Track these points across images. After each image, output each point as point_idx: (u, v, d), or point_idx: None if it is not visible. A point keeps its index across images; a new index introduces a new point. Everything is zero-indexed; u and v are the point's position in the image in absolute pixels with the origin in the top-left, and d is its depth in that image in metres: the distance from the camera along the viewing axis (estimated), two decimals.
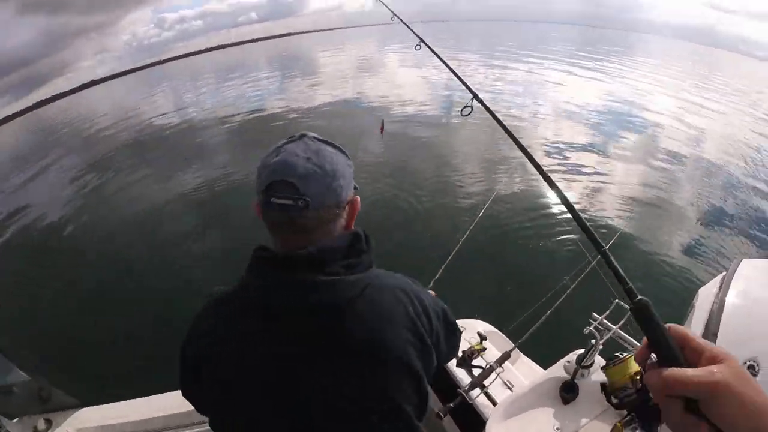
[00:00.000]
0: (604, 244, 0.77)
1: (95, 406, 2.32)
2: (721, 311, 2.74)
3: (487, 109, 1.41)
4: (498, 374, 2.07)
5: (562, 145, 11.02)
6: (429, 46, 1.47)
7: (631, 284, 0.66)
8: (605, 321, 1.96)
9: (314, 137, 1.04)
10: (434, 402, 2.33)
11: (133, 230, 8.46)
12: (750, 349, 2.42)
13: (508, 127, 1.11)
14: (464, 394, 1.97)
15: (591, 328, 1.94)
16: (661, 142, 11.41)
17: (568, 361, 2.10)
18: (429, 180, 8.50)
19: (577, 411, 1.94)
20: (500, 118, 1.30)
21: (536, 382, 1.99)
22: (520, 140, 1.12)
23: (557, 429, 1.83)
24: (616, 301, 1.90)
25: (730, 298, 2.80)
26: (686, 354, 0.57)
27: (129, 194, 10.57)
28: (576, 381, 2.00)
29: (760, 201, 8.02)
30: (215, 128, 15.98)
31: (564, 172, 9.56)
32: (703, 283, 3.54)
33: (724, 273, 3.32)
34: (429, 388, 2.40)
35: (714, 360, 0.55)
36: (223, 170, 10.84)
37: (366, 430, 0.95)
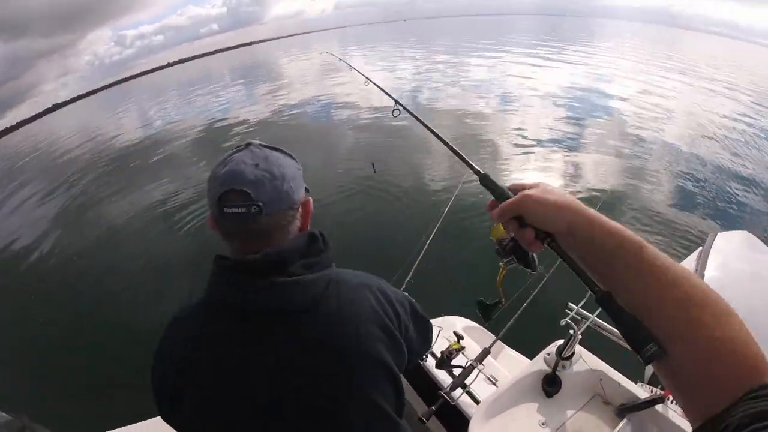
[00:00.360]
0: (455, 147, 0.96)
1: None
2: None
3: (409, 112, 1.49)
4: (480, 371, 1.96)
5: (529, 135, 11.03)
6: (407, 109, 1.45)
7: (477, 166, 0.85)
8: (582, 310, 1.88)
9: (260, 144, 1.04)
10: (418, 405, 2.24)
11: (108, 252, 8.17)
12: None
13: (436, 130, 1.07)
14: (445, 395, 1.86)
15: (567, 319, 1.85)
16: (627, 125, 11.51)
17: (548, 354, 2.01)
18: (392, 180, 8.35)
19: (562, 404, 1.88)
20: (425, 120, 1.27)
21: (518, 377, 1.90)
22: (441, 135, 1.08)
23: (542, 424, 1.75)
24: (590, 291, 1.81)
25: (709, 274, 2.78)
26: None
27: (98, 215, 10.25)
28: (558, 373, 1.92)
29: (729, 175, 8.13)
30: (180, 141, 15.73)
31: (533, 160, 9.56)
32: (679, 261, 3.55)
33: (700, 248, 3.30)
34: (411, 389, 2.34)
35: (529, 188, 0.71)
36: (191, 182, 10.59)
37: (343, 427, 0.95)
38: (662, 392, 1.65)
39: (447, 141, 1.02)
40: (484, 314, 1.19)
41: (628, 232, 0.62)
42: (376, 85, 2.01)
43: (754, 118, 12.20)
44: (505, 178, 8.04)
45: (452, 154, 0.98)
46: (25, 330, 6.21)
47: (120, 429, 2.21)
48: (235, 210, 0.93)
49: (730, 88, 16.41)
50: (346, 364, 0.95)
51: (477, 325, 2.73)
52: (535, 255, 0.83)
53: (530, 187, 0.72)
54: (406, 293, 1.21)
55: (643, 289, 0.58)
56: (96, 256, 8.03)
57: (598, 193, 7.04)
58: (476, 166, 0.86)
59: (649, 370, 2.08)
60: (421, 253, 2.75)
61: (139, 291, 6.70)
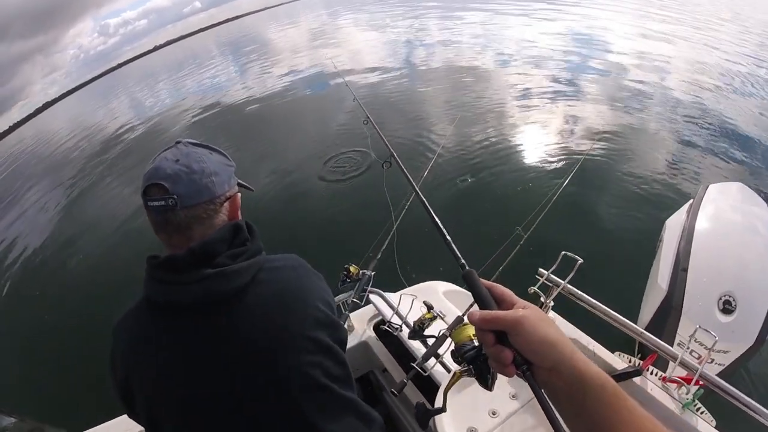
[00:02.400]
0: (444, 230, 0.95)
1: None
2: (690, 241, 2.62)
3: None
4: (452, 342, 1.85)
5: (526, 85, 10.76)
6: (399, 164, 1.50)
7: (463, 261, 0.81)
8: (553, 276, 1.76)
9: (188, 142, 1.09)
10: (399, 375, 2.17)
11: (114, 246, 8.06)
12: (723, 284, 2.33)
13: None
14: (417, 367, 1.77)
15: (536, 288, 1.73)
16: (621, 77, 11.05)
17: None
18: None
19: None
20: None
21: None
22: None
23: (512, 396, 1.65)
24: (564, 252, 1.68)
25: (700, 226, 2.70)
26: (505, 306, 0.70)
27: (100, 210, 10.07)
28: None
29: (723, 126, 7.91)
30: (176, 127, 15.43)
31: (527, 107, 9.35)
32: (670, 215, 3.43)
33: (691, 201, 3.18)
34: (392, 360, 2.29)
35: (522, 307, 0.67)
36: None
37: (292, 408, 0.98)
38: (640, 363, 1.56)
39: (438, 223, 1.00)
40: (422, 420, 1.10)
41: (612, 381, 0.60)
42: (376, 129, 2.09)
43: (751, 72, 11.86)
44: (501, 132, 7.80)
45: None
46: (31, 330, 6.16)
47: (103, 425, 2.14)
48: (155, 203, 0.97)
49: (727, 40, 15.94)
50: (272, 347, 0.97)
51: (459, 289, 2.61)
52: (495, 374, 0.76)
53: (522, 306, 0.68)
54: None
55: None
56: (101, 251, 7.90)
57: (589, 144, 6.85)
58: (462, 259, 0.83)
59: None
60: (402, 214, 2.63)
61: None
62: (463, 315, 1.32)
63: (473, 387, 1.65)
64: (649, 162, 6.32)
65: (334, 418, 1.02)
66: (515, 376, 0.66)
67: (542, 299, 1.72)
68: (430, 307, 1.97)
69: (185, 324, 0.98)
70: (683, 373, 1.43)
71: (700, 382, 1.36)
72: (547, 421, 0.58)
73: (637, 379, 1.51)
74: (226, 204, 1.08)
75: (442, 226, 0.97)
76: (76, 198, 11.31)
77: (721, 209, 2.89)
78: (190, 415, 0.99)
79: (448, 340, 1.81)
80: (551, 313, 1.80)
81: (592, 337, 1.74)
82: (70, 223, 9.67)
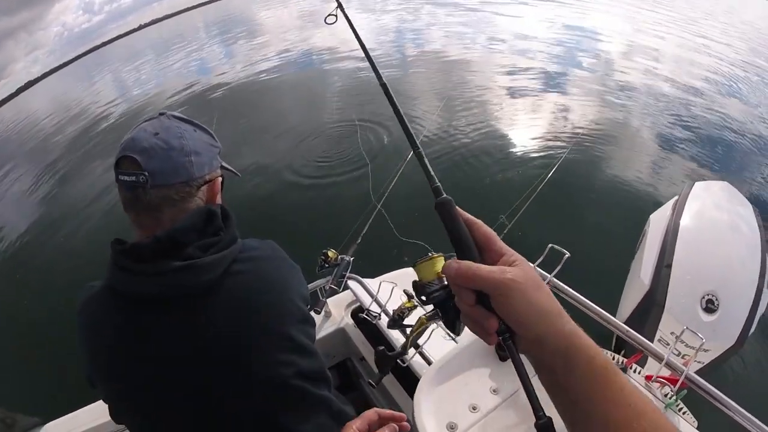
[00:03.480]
0: (419, 146, 0.72)
1: (59, 419, 2.16)
2: (675, 238, 2.60)
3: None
4: (433, 330, 1.79)
5: (516, 75, 10.75)
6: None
7: (438, 183, 0.63)
8: (539, 269, 1.71)
9: (173, 115, 1.02)
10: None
11: (97, 231, 7.76)
12: (706, 283, 2.33)
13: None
14: (396, 359, 1.70)
15: None
16: (611, 70, 11.15)
17: None
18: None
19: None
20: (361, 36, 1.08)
21: (469, 339, 1.73)
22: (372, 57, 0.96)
23: (493, 390, 1.60)
24: (551, 245, 1.62)
25: (685, 223, 2.68)
26: (488, 255, 0.58)
27: (84, 193, 9.75)
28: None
29: (710, 124, 7.99)
30: (161, 106, 15.16)
31: (515, 98, 9.33)
32: (653, 210, 3.42)
33: (676, 197, 3.17)
34: (371, 348, 2.24)
35: (511, 263, 0.55)
36: None
37: (264, 408, 0.95)
38: (624, 360, 1.52)
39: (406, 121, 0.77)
40: (381, 365, 1.02)
41: (603, 355, 0.53)
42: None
43: (742, 69, 11.98)
44: (486, 120, 7.74)
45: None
46: (9, 315, 5.97)
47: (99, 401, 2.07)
48: (125, 177, 0.91)
49: (716, 38, 16.10)
50: (246, 344, 0.93)
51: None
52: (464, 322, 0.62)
53: (512, 261, 0.56)
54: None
55: (614, 422, 0.49)
56: (83, 234, 7.68)
57: (575, 136, 6.83)
58: (438, 182, 0.63)
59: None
60: (382, 201, 2.57)
61: None
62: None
63: (452, 381, 1.59)
64: (634, 157, 6.35)
65: (306, 418, 0.99)
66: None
67: None
68: (410, 296, 1.91)
69: (153, 317, 0.92)
70: (667, 373, 1.40)
71: (686, 384, 1.33)
72: (532, 416, 0.50)
73: None
74: (204, 188, 1.01)
75: (412, 132, 0.76)
76: (58, 180, 10.99)
77: (706, 207, 2.87)
78: (160, 411, 0.95)
79: (429, 329, 1.74)
80: None
81: None
82: (52, 206, 9.42)
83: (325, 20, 1.38)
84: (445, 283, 0.65)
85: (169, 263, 0.89)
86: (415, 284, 0.70)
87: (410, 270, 2.63)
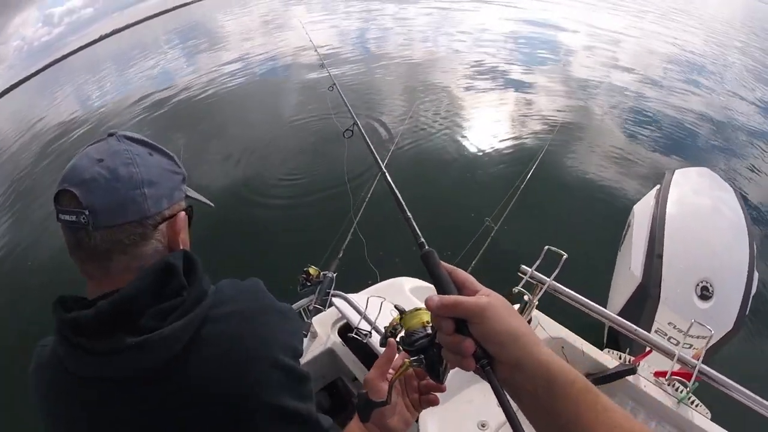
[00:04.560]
0: (407, 210, 0.83)
1: None
2: (663, 227, 2.59)
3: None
4: None
5: (479, 75, 10.82)
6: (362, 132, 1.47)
7: (423, 239, 0.72)
8: (537, 273, 1.64)
9: (124, 136, 0.84)
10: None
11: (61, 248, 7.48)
12: (699, 270, 2.31)
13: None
14: (380, 407, 1.61)
15: (520, 287, 1.61)
16: (579, 62, 11.36)
17: None
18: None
19: None
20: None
21: None
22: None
23: (496, 403, 1.53)
24: (547, 247, 1.57)
25: (671, 211, 2.67)
26: (466, 293, 0.63)
27: (47, 208, 9.44)
28: None
29: (685, 112, 8.17)
30: (125, 117, 14.86)
31: (481, 98, 9.37)
32: (635, 201, 3.44)
33: (658, 186, 3.18)
34: (363, 368, 2.17)
35: (486, 295, 0.61)
36: None
37: None
38: (632, 360, 1.47)
39: (398, 196, 0.89)
40: (363, 412, 0.93)
41: (582, 377, 0.55)
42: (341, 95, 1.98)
43: (709, 57, 12.38)
44: (453, 117, 7.78)
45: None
46: None
47: None
48: (65, 217, 0.75)
49: (684, 28, 16.62)
50: (224, 422, 0.77)
51: (427, 285, 2.50)
52: (448, 366, 0.69)
53: (485, 293, 0.61)
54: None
55: None
56: (53, 254, 7.42)
57: (550, 129, 6.88)
58: (422, 238, 0.74)
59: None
60: (360, 210, 2.50)
61: None
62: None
63: (456, 398, 1.52)
64: (611, 149, 6.43)
65: None
66: (473, 372, 0.60)
67: (526, 298, 1.60)
68: (402, 312, 1.82)
69: (109, 397, 0.78)
70: (677, 367, 1.36)
71: (699, 377, 1.29)
72: None
73: (630, 377, 1.43)
74: (163, 226, 0.84)
75: (401, 200, 0.87)
76: (23, 197, 10.66)
77: (689, 194, 2.89)
78: None
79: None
80: (535, 312, 1.70)
81: (581, 334, 1.66)
82: (19, 225, 9.12)
83: (343, 134, 1.66)
84: (429, 332, 0.71)
85: (121, 340, 0.72)
86: (402, 337, 0.76)
87: (399, 280, 2.57)
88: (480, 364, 0.57)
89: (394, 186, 0.93)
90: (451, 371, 0.73)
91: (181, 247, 0.87)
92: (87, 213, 0.73)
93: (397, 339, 0.77)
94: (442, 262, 0.67)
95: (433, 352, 0.69)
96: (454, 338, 0.59)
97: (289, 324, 0.90)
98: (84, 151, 0.81)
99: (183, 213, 0.87)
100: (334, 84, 2.27)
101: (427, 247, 0.70)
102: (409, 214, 0.82)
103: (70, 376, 0.77)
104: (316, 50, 2.84)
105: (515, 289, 1.58)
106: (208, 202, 1.01)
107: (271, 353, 0.81)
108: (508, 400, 0.54)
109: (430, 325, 0.72)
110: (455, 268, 0.67)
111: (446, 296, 0.61)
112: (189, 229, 0.91)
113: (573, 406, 0.52)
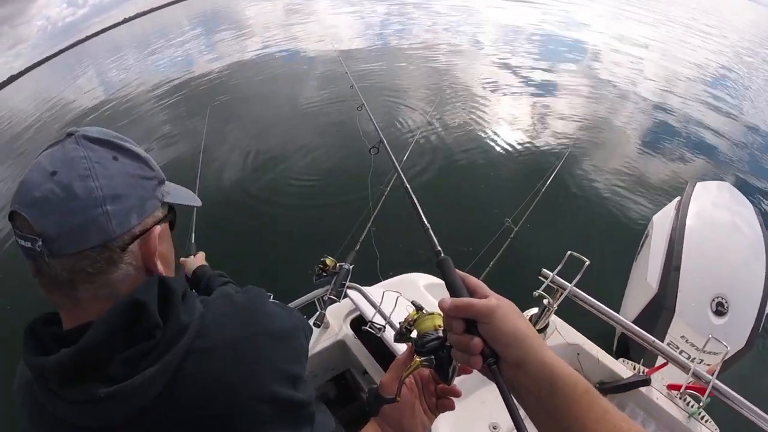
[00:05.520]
0: (423, 214, 0.91)
1: None
2: (682, 240, 2.57)
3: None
4: None
5: (505, 77, 10.72)
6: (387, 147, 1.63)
7: (439, 248, 0.79)
8: (558, 278, 1.64)
9: (84, 136, 0.70)
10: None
11: None
12: (716, 285, 2.30)
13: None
14: (389, 403, 1.61)
15: (541, 290, 1.62)
16: (600, 71, 11.15)
17: None
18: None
19: None
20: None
21: None
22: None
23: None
24: (570, 252, 1.57)
25: (690, 224, 2.66)
26: (476, 297, 0.67)
27: None
28: None
29: (705, 125, 8.02)
30: (145, 103, 14.73)
31: (505, 99, 9.30)
32: (655, 212, 3.41)
33: (678, 198, 3.15)
34: (379, 366, 2.17)
35: (494, 298, 0.65)
36: (159, 144, 9.86)
37: None
38: (646, 371, 1.48)
39: (417, 205, 0.96)
40: (372, 407, 0.93)
41: (584, 380, 0.57)
42: (369, 115, 2.10)
43: (734, 70, 12.15)
44: (473, 119, 7.77)
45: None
46: None
47: None
48: (21, 242, 0.65)
49: (708, 39, 16.32)
50: None
51: (441, 282, 2.49)
52: (457, 367, 0.74)
53: (494, 297, 0.66)
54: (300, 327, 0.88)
55: None
56: None
57: (572, 135, 6.84)
58: (438, 246, 0.80)
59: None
60: (380, 204, 2.49)
61: None
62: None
63: (468, 399, 1.54)
64: (632, 158, 6.37)
65: None
66: (480, 372, 0.65)
67: (546, 302, 1.60)
68: (419, 308, 1.83)
69: None
70: (687, 380, 1.36)
71: (712, 393, 1.29)
72: None
73: (644, 389, 1.44)
74: (133, 246, 0.71)
75: (420, 211, 0.93)
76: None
77: (709, 208, 2.86)
78: None
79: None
80: (553, 317, 1.70)
81: (597, 342, 1.66)
82: None
83: (369, 150, 1.76)
84: (440, 334, 0.73)
85: (91, 389, 0.64)
86: (414, 339, 0.80)
87: (413, 276, 2.57)
88: (486, 363, 0.61)
89: (415, 200, 0.98)
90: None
91: (159, 266, 0.76)
92: (41, 242, 0.64)
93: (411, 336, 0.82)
94: (457, 270, 0.72)
95: (443, 354, 0.72)
96: (463, 337, 0.63)
97: (287, 346, 0.80)
98: (37, 159, 0.70)
99: (157, 228, 0.75)
100: (363, 104, 2.33)
101: (443, 255, 0.76)
102: (427, 224, 0.87)
103: (48, 412, 0.69)
104: (347, 72, 2.88)
105: (536, 293, 1.59)
106: (193, 202, 0.87)
107: (258, 388, 0.73)
108: (512, 398, 0.58)
109: (442, 328, 0.75)
110: (468, 275, 0.71)
111: (459, 298, 0.66)
112: (169, 240, 0.80)
113: (575, 407, 0.54)
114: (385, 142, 1.71)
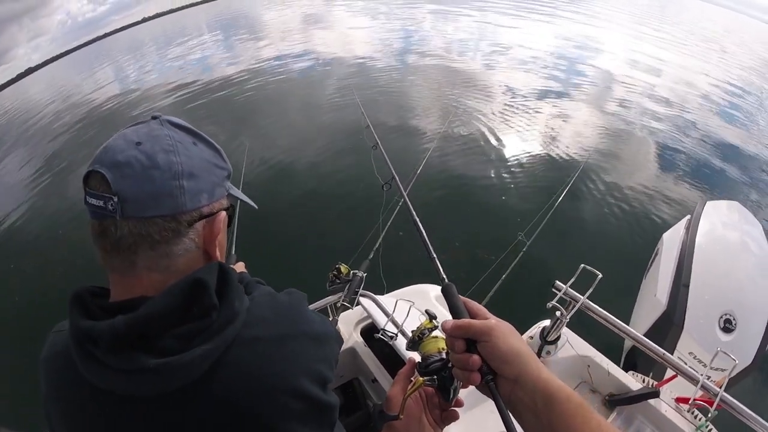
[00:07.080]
0: (430, 246, 1.02)
1: None
2: (692, 257, 2.62)
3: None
4: None
5: (517, 92, 10.79)
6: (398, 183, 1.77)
7: (444, 276, 0.89)
8: (571, 290, 1.68)
9: (168, 120, 0.75)
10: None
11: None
12: (724, 303, 2.34)
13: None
14: (392, 420, 1.63)
15: (554, 302, 1.66)
16: (614, 89, 11.27)
17: (531, 337, 1.84)
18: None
19: None
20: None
21: None
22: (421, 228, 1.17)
23: None
24: (583, 266, 1.62)
25: (700, 242, 2.71)
26: (477, 319, 0.73)
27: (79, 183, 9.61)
28: (541, 358, 1.75)
29: (717, 144, 7.96)
30: (162, 101, 14.95)
31: (519, 116, 9.31)
32: (665, 229, 3.45)
33: (688, 216, 3.19)
34: (388, 375, 2.19)
35: (493, 320, 0.72)
36: None
37: None
38: (655, 384, 1.53)
39: (425, 239, 1.07)
40: (377, 422, 0.98)
41: (577, 395, 0.62)
42: (383, 154, 2.15)
43: (747, 90, 12.13)
44: (488, 132, 7.90)
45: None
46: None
47: None
48: (92, 201, 0.67)
49: (722, 59, 16.29)
50: None
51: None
52: (458, 387, 0.82)
53: (493, 319, 0.73)
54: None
55: None
56: (84, 230, 7.56)
57: (585, 151, 6.87)
58: (443, 274, 0.92)
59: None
60: (393, 215, 2.51)
61: None
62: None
63: (479, 408, 1.58)
64: (646, 175, 6.41)
65: None
66: (477, 389, 0.70)
67: (558, 314, 1.64)
68: (432, 316, 1.87)
69: (122, 412, 0.71)
70: (695, 393, 1.40)
71: (720, 406, 1.34)
72: None
73: (652, 401, 1.48)
74: (198, 225, 0.75)
75: (428, 241, 1.04)
76: (57, 169, 10.84)
77: (719, 227, 2.91)
78: None
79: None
80: (564, 329, 1.74)
81: (608, 355, 1.71)
82: (51, 195, 9.25)
83: (382, 187, 1.94)
84: (444, 356, 0.80)
85: (138, 360, 0.65)
86: (418, 361, 0.85)
87: (426, 286, 2.60)
88: (485, 380, 0.67)
89: (424, 233, 1.09)
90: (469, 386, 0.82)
91: (217, 251, 0.79)
92: (115, 200, 0.66)
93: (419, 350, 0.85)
94: (459, 295, 0.81)
95: (445, 374, 0.79)
96: (464, 355, 0.70)
97: (321, 350, 0.81)
98: (122, 132, 0.73)
99: (223, 213, 0.79)
100: (377, 143, 2.39)
101: (447, 281, 0.87)
102: (434, 254, 0.99)
103: (83, 379, 0.69)
104: (362, 112, 2.92)
105: (549, 304, 1.63)
106: (252, 203, 0.94)
107: (294, 382, 0.74)
108: (508, 413, 0.64)
109: (445, 351, 0.81)
110: (469, 300, 0.79)
111: (460, 320, 0.74)
112: (228, 231, 0.84)
113: (571, 421, 0.58)
114: (398, 179, 1.81)
